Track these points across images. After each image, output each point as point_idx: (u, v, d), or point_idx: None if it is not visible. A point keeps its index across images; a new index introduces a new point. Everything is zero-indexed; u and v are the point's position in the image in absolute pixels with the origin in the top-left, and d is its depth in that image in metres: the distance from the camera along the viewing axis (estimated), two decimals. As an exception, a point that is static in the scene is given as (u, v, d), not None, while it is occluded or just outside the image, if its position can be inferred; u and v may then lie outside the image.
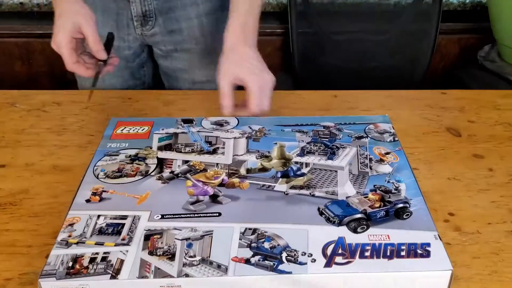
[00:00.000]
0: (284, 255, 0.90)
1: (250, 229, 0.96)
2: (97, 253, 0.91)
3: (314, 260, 0.89)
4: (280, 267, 0.88)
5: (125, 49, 1.65)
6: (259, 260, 0.89)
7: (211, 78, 1.65)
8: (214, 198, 1.03)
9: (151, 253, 0.91)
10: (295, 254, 0.90)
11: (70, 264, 0.89)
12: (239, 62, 1.30)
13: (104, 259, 0.90)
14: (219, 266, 0.88)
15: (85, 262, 0.89)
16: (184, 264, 0.89)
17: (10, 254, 1.03)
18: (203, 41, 1.63)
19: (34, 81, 2.59)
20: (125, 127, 1.25)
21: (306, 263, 0.89)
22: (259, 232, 0.95)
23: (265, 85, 1.28)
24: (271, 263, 0.89)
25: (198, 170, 1.11)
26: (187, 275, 0.87)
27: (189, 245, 0.92)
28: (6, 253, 1.03)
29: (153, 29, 1.62)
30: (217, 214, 0.99)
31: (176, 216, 0.99)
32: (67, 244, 0.93)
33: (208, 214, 0.99)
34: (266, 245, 0.92)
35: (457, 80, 2.35)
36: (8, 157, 1.29)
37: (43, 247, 1.03)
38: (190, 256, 0.90)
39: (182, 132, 1.22)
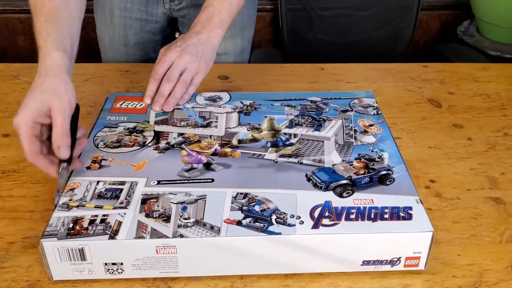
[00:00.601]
0: (273, 217, 0.90)
1: (241, 193, 0.95)
2: (96, 216, 0.90)
3: (302, 222, 0.89)
4: (270, 228, 0.88)
5: (152, 23, 1.65)
6: (250, 222, 0.89)
7: (228, 51, 1.65)
8: (208, 166, 1.03)
9: (147, 216, 0.90)
10: (284, 217, 0.90)
11: (71, 225, 0.88)
12: (181, 39, 1.27)
13: (103, 221, 0.89)
14: (212, 228, 0.88)
15: (85, 223, 0.89)
16: (179, 226, 0.88)
17: (13, 219, 1.02)
18: None
19: (36, 55, 2.57)
20: (123, 102, 1.24)
21: (294, 225, 0.89)
22: (250, 196, 0.95)
23: (181, 64, 1.22)
24: (261, 225, 0.88)
25: (193, 141, 1.10)
26: (181, 236, 0.87)
27: (184, 208, 0.92)
28: (10, 218, 1.02)
29: (180, 4, 1.62)
30: (211, 180, 0.99)
31: (172, 182, 0.98)
32: (68, 207, 0.92)
33: (202, 180, 0.99)
34: (257, 208, 0.92)
35: (438, 53, 2.34)
36: (12, 127, 1.27)
37: (44, 212, 1.03)
38: (185, 218, 0.90)
39: (178, 108, 1.21)
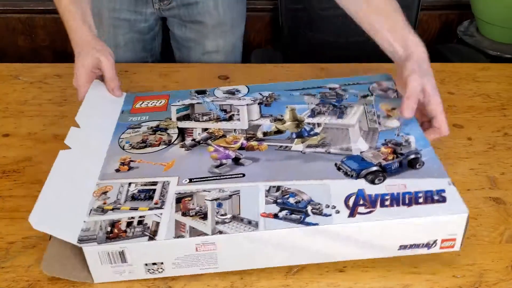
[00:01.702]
0: (309, 208, 0.90)
1: (274, 186, 0.95)
2: (133, 218, 0.90)
3: (338, 212, 0.89)
4: (307, 219, 0.88)
5: (141, 22, 1.64)
6: (286, 214, 0.89)
7: (220, 49, 1.65)
8: (236, 161, 1.02)
9: (184, 214, 0.90)
10: (319, 207, 0.90)
11: (109, 229, 0.88)
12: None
13: (140, 222, 0.89)
14: (249, 222, 0.88)
15: (123, 226, 0.89)
16: (217, 222, 0.88)
17: (13, 218, 1.02)
18: (215, 13, 1.62)
19: (36, 55, 2.57)
20: (143, 101, 1.23)
21: (331, 215, 0.88)
22: (283, 189, 0.94)
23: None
24: (298, 217, 0.88)
25: (218, 136, 1.09)
26: (220, 232, 0.87)
27: (219, 205, 0.92)
28: (10, 217, 1.02)
29: (170, 4, 1.61)
30: (241, 175, 0.98)
31: (203, 179, 0.98)
32: (103, 211, 0.92)
33: (233, 176, 0.98)
34: (291, 200, 0.92)
35: (438, 53, 2.34)
36: (12, 127, 1.28)
37: (45, 212, 1.02)
38: (222, 215, 0.90)
39: (198, 103, 1.20)
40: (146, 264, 0.89)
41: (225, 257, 0.89)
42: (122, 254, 0.87)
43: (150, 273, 0.90)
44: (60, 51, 2.53)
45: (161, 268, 0.89)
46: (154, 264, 0.89)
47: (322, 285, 0.91)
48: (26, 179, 1.12)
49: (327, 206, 0.90)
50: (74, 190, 0.96)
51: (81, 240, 0.87)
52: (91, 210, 0.92)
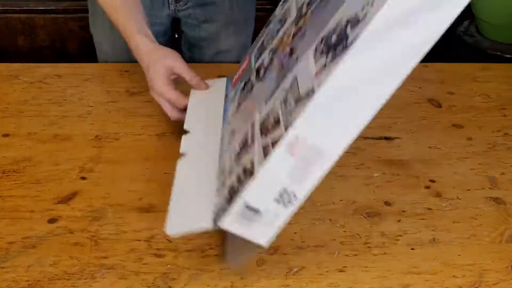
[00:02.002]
0: (348, 28, 0.74)
1: (319, 42, 0.82)
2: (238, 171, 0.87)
3: (372, 3, 0.71)
4: (348, 42, 0.72)
5: (156, 25, 1.61)
6: (331, 55, 0.75)
7: (233, 48, 1.65)
8: (291, 53, 0.93)
9: (266, 135, 0.84)
10: (356, 15, 0.73)
11: (228, 196, 0.85)
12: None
13: (244, 171, 0.85)
14: (307, 94, 0.77)
15: (235, 185, 0.85)
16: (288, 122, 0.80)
17: (13, 219, 1.02)
18: (231, 12, 1.62)
19: (36, 55, 2.57)
20: (236, 73, 1.20)
21: (367, 13, 0.71)
22: (324, 35, 0.81)
23: None
24: (340, 47, 0.74)
25: (278, 48, 1.01)
26: (291, 124, 0.77)
27: (285, 102, 0.83)
28: (10, 218, 1.02)
29: (186, 5, 1.60)
30: (295, 60, 0.88)
31: (272, 93, 0.90)
32: (223, 184, 0.90)
33: (289, 69, 0.88)
34: (333, 38, 0.77)
35: (438, 53, 2.34)
36: (12, 127, 1.28)
37: (45, 212, 1.03)
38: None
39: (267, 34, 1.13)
40: (277, 201, 0.81)
41: (324, 140, 0.78)
42: (249, 207, 0.82)
43: (288, 203, 0.82)
44: (60, 51, 2.53)
45: (293, 194, 0.81)
46: (281, 196, 0.81)
47: (322, 285, 0.91)
48: (26, 179, 1.11)
49: (363, 8, 0.72)
50: (200, 184, 0.95)
51: (215, 221, 0.84)
52: (217, 190, 0.91)
